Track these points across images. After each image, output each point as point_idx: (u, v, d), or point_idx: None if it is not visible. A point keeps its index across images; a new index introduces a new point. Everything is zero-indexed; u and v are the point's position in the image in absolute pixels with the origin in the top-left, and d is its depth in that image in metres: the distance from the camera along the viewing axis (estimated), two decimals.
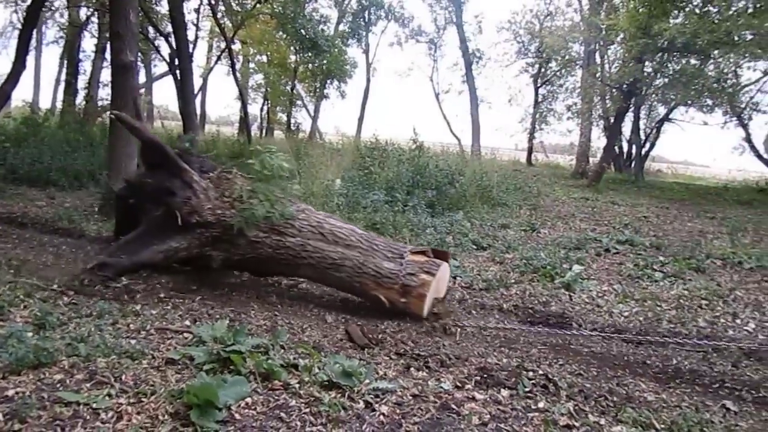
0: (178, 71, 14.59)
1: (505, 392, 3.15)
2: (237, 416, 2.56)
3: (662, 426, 2.90)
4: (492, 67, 53.02)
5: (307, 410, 2.68)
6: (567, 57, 26.92)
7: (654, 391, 3.47)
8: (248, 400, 2.70)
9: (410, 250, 4.75)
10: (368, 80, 31.56)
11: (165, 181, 4.68)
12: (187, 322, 3.76)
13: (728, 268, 7.18)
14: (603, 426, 2.85)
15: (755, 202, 15.95)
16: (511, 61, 30.77)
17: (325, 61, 23.36)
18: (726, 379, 3.86)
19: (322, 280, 4.90)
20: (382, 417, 2.71)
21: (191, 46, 17.24)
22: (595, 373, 3.73)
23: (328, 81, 26.70)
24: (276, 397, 2.78)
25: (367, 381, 3.00)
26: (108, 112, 10.37)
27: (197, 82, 23.14)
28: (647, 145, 25.57)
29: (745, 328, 5.11)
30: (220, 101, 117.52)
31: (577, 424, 2.83)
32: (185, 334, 3.50)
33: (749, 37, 15.07)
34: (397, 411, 2.78)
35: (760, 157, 21.68)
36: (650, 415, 3.00)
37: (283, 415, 2.62)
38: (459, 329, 4.47)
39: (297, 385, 2.90)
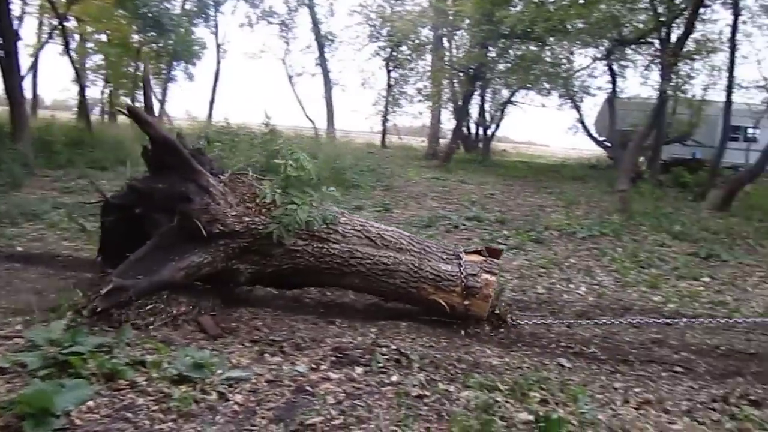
0: (2, 51, 13.13)
1: (359, 369, 3.22)
2: (78, 422, 2.41)
3: (505, 387, 3.11)
4: (345, 50, 53.12)
5: (156, 407, 2.58)
6: (417, 41, 27.63)
7: (498, 356, 3.73)
8: (90, 403, 2.54)
9: (464, 251, 4.55)
10: (218, 62, 30.33)
11: (178, 186, 4.08)
12: (19, 327, 3.45)
13: (564, 238, 7.88)
14: (452, 392, 3.01)
15: (587, 177, 17.53)
16: (363, 44, 31.03)
17: (171, 42, 22.17)
18: (561, 339, 4.23)
19: (371, 288, 4.50)
20: (236, 406, 2.67)
21: (17, 22, 15.62)
22: (445, 344, 3.91)
23: (175, 62, 25.44)
24: (122, 398, 2.64)
25: (219, 371, 2.94)
26: None
27: (26, 62, 21.05)
28: (493, 126, 27.13)
29: (578, 291, 5.64)
30: (56, 84, 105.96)
31: (428, 393, 2.97)
32: (16, 340, 3.20)
33: (580, 25, 16.43)
34: (252, 398, 2.76)
35: (591, 136, 23.77)
36: (494, 378, 3.22)
37: (129, 415, 2.50)
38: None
39: (145, 383, 2.78)
